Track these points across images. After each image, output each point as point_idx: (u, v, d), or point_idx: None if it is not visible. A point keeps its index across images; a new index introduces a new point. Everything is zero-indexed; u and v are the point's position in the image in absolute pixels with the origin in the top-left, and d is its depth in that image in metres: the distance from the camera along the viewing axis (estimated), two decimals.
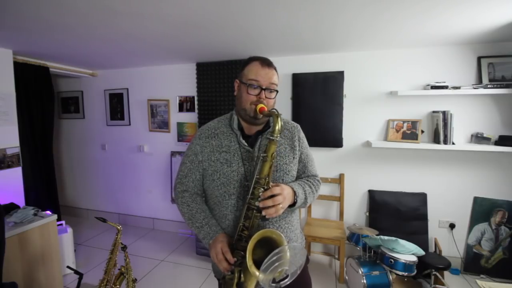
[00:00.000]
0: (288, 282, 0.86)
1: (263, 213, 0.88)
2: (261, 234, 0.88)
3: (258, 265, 0.84)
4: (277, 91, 1.05)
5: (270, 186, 0.92)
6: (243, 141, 1.04)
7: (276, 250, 0.81)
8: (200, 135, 1.10)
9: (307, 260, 1.17)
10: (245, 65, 1.06)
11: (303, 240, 1.18)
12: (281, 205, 0.89)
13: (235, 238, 0.95)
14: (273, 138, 0.91)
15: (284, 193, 0.91)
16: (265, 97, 1.01)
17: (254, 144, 1.04)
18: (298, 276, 1.09)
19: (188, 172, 1.09)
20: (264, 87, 1.00)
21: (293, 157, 1.09)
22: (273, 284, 0.83)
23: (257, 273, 0.82)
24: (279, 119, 0.92)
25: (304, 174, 1.13)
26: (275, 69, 1.06)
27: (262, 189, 0.91)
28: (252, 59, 1.05)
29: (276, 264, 0.80)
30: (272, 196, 0.88)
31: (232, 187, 1.01)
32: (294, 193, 0.97)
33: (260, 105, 0.97)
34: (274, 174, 1.03)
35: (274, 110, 0.95)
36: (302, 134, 1.16)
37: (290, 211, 1.08)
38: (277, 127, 0.91)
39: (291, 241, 1.07)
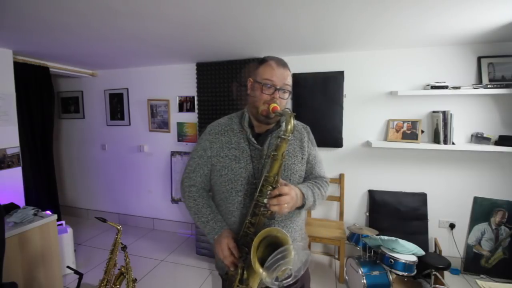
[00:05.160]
0: (291, 282, 0.87)
1: (268, 206, 0.89)
2: (268, 231, 0.88)
3: (261, 262, 0.85)
4: (290, 92, 1.06)
5: (279, 185, 0.92)
6: (253, 139, 1.05)
7: (281, 249, 0.82)
8: (210, 131, 1.11)
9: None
10: (260, 64, 1.06)
11: (307, 240, 1.19)
12: (286, 205, 0.89)
13: (240, 234, 0.96)
14: (285, 137, 0.91)
15: (292, 193, 0.92)
16: (279, 97, 1.01)
17: (264, 143, 1.05)
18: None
19: (196, 167, 1.10)
20: (278, 87, 1.01)
21: (301, 158, 1.10)
22: (276, 283, 0.83)
23: (261, 270, 0.83)
24: (292, 118, 0.92)
25: (311, 175, 1.14)
26: (289, 70, 1.07)
27: (271, 187, 0.91)
28: (268, 59, 1.05)
29: (280, 262, 0.81)
30: (279, 195, 0.89)
31: (240, 184, 1.02)
32: (303, 195, 0.98)
33: (273, 105, 0.97)
34: (282, 173, 1.03)
35: (287, 110, 0.95)
36: (311, 136, 1.17)
37: (297, 212, 1.08)
38: (289, 126, 0.91)
39: (295, 241, 1.07)
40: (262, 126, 1.08)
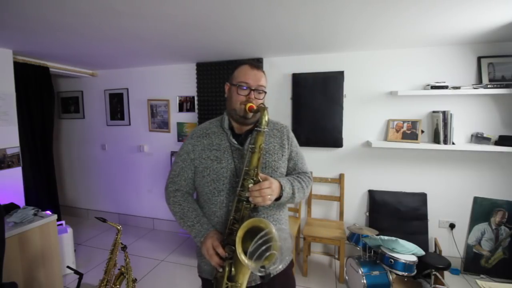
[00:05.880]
0: (278, 267, 0.86)
1: (250, 199, 0.92)
2: (251, 223, 0.89)
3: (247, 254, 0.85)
4: (265, 92, 1.11)
5: (260, 178, 0.95)
6: (233, 140, 1.08)
7: (262, 233, 0.82)
8: (192, 135, 1.16)
9: (291, 263, 1.18)
10: (235, 69, 1.13)
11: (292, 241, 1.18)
12: (269, 196, 0.93)
13: (226, 233, 0.98)
14: (260, 129, 0.95)
15: (273, 187, 0.95)
16: (254, 97, 1.06)
17: (244, 143, 1.08)
18: (282, 278, 1.08)
19: (180, 171, 1.13)
20: (253, 88, 1.05)
21: (282, 155, 1.13)
22: (262, 269, 0.83)
23: (246, 260, 0.83)
24: (265, 112, 0.97)
25: (295, 171, 1.18)
26: (263, 72, 1.12)
27: (252, 180, 0.94)
28: (242, 63, 1.12)
29: (263, 247, 0.81)
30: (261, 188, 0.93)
31: (222, 184, 1.05)
32: (281, 186, 1.00)
33: (249, 104, 1.02)
34: (263, 170, 1.06)
35: (261, 105, 1.01)
36: (291, 134, 1.20)
37: (278, 208, 1.10)
38: (264, 119, 0.96)
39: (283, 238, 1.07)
40: (242, 127, 1.12)
